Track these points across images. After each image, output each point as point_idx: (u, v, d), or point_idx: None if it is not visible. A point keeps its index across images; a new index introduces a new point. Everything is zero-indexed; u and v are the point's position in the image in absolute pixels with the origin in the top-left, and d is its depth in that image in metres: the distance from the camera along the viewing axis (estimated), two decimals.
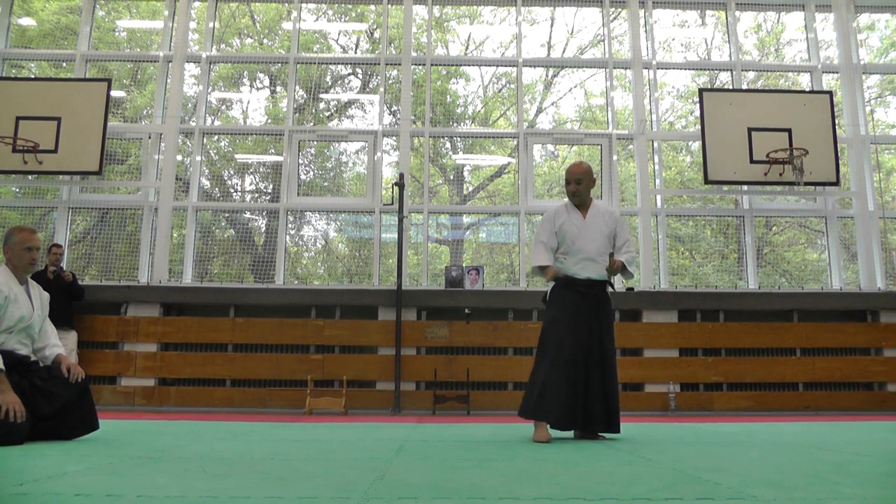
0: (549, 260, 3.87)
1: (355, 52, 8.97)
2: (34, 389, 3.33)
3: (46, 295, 3.70)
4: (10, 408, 3.09)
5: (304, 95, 8.42)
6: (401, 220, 7.17)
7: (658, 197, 7.83)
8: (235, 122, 8.83)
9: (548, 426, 3.64)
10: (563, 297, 3.84)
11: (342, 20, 9.01)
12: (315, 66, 8.35)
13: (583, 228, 3.85)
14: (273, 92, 9.08)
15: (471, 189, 9.14)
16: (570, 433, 3.88)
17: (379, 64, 8.11)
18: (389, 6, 8.25)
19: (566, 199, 4.01)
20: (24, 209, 7.80)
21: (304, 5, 8.39)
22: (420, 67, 8.19)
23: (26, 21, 8.40)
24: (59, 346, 3.66)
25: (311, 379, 6.65)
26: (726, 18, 8.35)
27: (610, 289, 3.95)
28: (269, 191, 8.47)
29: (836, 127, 7.54)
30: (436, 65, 8.37)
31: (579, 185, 3.88)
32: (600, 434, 3.78)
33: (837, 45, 8.18)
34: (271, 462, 2.59)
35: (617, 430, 3.72)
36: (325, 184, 8.48)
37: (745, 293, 7.42)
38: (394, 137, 7.99)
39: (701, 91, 7.62)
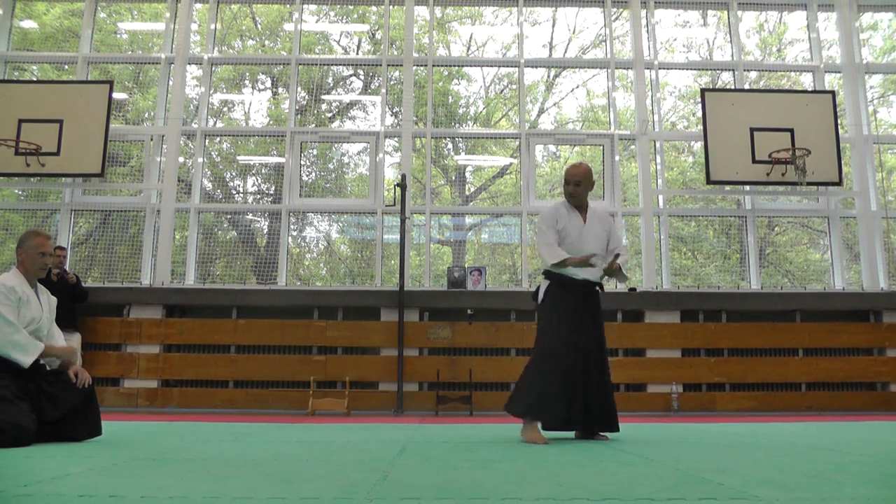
0: (565, 253, 3.72)
1: (357, 54, 8.98)
2: (41, 393, 3.36)
3: (54, 299, 3.74)
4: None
5: (306, 97, 8.43)
6: (403, 221, 7.17)
7: (660, 197, 7.83)
8: (237, 123, 8.85)
9: (539, 427, 3.62)
10: (559, 298, 3.79)
11: (344, 21, 9.03)
12: (317, 68, 8.36)
13: (584, 232, 3.84)
14: (275, 93, 9.09)
15: (473, 190, 9.14)
16: (571, 434, 3.88)
17: (381, 65, 8.12)
18: (391, 7, 8.25)
19: (562, 199, 3.94)
20: (26, 211, 7.81)
21: (305, 7, 8.40)
22: (422, 68, 8.19)
23: (28, 24, 8.42)
24: None
25: (314, 380, 6.65)
26: (728, 18, 8.34)
27: (598, 289, 3.93)
28: (272, 192, 8.48)
29: (839, 127, 7.52)
30: (437, 66, 8.37)
31: (578, 187, 3.83)
32: (601, 434, 3.78)
33: (840, 44, 8.17)
34: (274, 463, 2.59)
35: (617, 429, 3.76)
36: (327, 185, 8.48)
37: (747, 293, 7.41)
38: (396, 138, 7.99)
39: (703, 91, 7.61)
